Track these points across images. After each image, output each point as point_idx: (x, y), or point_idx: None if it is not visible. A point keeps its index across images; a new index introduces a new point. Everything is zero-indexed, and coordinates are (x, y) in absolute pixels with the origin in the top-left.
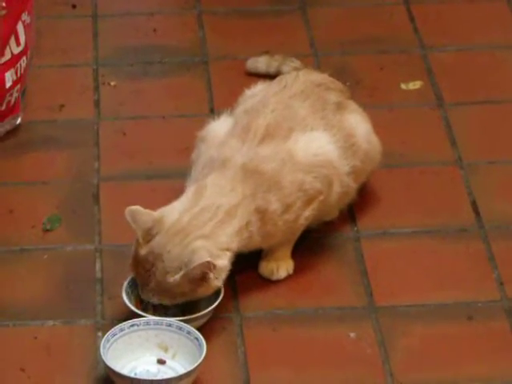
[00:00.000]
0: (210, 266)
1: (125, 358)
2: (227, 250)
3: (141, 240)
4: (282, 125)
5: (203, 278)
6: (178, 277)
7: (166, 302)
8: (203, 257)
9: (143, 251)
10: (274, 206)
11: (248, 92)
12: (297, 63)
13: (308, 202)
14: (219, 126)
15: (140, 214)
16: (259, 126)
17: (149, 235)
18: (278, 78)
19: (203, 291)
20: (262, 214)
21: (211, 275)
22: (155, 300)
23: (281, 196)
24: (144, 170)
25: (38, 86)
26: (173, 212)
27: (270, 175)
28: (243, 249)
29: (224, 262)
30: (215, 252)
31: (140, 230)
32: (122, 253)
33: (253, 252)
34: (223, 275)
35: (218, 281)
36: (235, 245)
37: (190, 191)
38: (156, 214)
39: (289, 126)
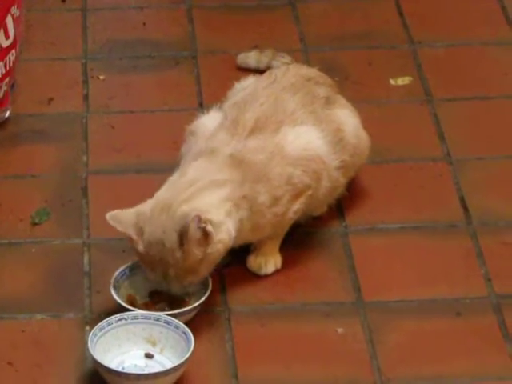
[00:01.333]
0: (202, 220)
1: (112, 351)
2: (217, 208)
3: (134, 236)
4: (271, 118)
5: (205, 236)
6: (183, 247)
7: (193, 279)
8: (190, 214)
9: (141, 247)
10: (263, 197)
11: (237, 85)
12: (287, 59)
13: (296, 196)
14: (209, 120)
15: (121, 214)
16: (248, 119)
17: (139, 229)
18: (267, 72)
19: (214, 251)
20: (250, 202)
21: (209, 227)
22: (184, 284)
23: (269, 188)
24: (133, 163)
25: (27, 79)
26: (151, 199)
27: (258, 167)
28: (235, 239)
29: (218, 216)
30: (204, 208)
31: (129, 228)
32: (110, 247)
33: (241, 247)
34: (224, 228)
35: (221, 234)
36: (226, 208)
37: (170, 178)
38: (134, 209)
39: (278, 120)
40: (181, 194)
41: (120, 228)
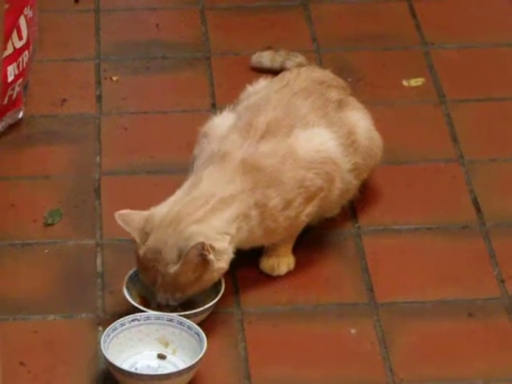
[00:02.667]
0: (205, 248)
1: (125, 352)
2: (225, 233)
3: (138, 240)
4: (283, 122)
5: (204, 262)
6: (179, 265)
7: (179, 296)
8: (197, 239)
9: (142, 251)
10: (274, 201)
11: (250, 88)
12: (301, 58)
13: (309, 198)
14: (221, 122)
15: (130, 215)
16: (260, 122)
17: (144, 234)
18: (279, 75)
19: (209, 277)
20: (261, 208)
21: (210, 257)
22: (169, 297)
23: (281, 192)
24: (145, 164)
25: (40, 80)
26: (163, 206)
27: (269, 171)
28: (245, 244)
29: (223, 244)
30: (211, 235)
31: (135, 231)
32: (123, 247)
33: (254, 248)
34: (225, 257)
35: (220, 262)
36: (233, 231)
37: (185, 184)
38: (146, 212)
39: (290, 124)
40: (192, 214)
41: (126, 228)
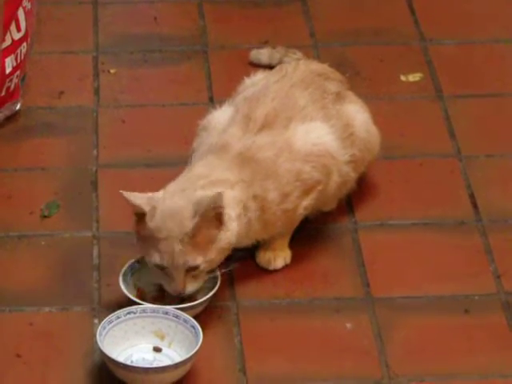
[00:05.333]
0: (222, 199)
1: (121, 345)
2: (231, 205)
3: (147, 208)
4: (282, 114)
5: (218, 217)
6: (196, 220)
7: (199, 260)
8: (209, 195)
9: (153, 223)
10: (272, 194)
11: (248, 81)
12: (299, 55)
13: (306, 191)
14: (221, 115)
15: (134, 194)
16: (259, 115)
17: (152, 208)
18: (278, 67)
19: (224, 239)
20: (260, 202)
21: (225, 211)
22: (189, 261)
23: (278, 185)
24: (143, 157)
25: (38, 72)
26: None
27: (266, 164)
28: (243, 239)
29: (231, 212)
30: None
31: (142, 200)
32: (119, 240)
33: (250, 245)
34: (234, 225)
35: (233, 227)
36: (237, 211)
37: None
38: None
39: (288, 116)
40: (194, 183)
41: (132, 198)
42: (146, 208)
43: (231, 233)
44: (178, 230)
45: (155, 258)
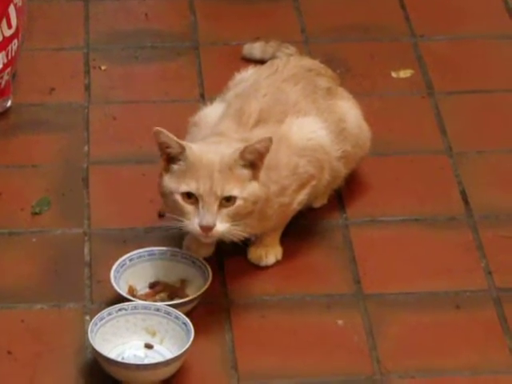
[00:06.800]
0: (271, 143)
1: (112, 342)
2: None
3: (183, 143)
4: (275, 109)
5: (257, 161)
6: (236, 154)
7: (236, 192)
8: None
9: (194, 154)
10: (274, 186)
11: (238, 76)
12: (292, 50)
13: (301, 186)
14: (212, 111)
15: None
16: (253, 110)
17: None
18: (268, 63)
19: (257, 191)
20: (266, 192)
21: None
22: (226, 189)
23: (278, 177)
24: (134, 154)
25: (29, 69)
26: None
27: (268, 155)
28: (238, 232)
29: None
30: None
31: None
32: (110, 237)
33: (244, 241)
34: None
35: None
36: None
37: None
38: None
39: (282, 111)
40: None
41: (169, 135)
42: (183, 143)
43: (260, 189)
44: (218, 160)
45: (191, 186)
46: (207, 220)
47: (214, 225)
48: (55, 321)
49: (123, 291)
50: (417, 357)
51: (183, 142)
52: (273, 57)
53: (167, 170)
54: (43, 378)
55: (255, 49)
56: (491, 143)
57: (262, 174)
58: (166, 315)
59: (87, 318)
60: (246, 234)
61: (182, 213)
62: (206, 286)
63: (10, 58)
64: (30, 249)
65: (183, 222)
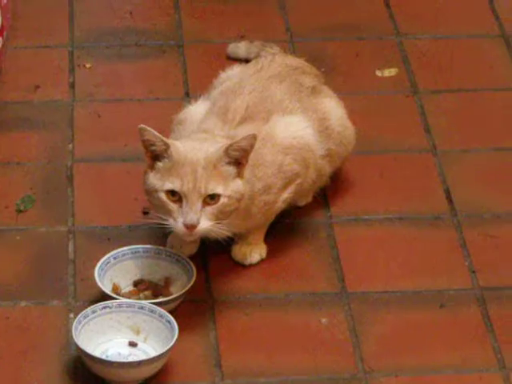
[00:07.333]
0: (255, 140)
1: (97, 339)
2: None
3: (169, 142)
4: (260, 107)
5: (241, 158)
6: (220, 151)
7: (220, 189)
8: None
9: (178, 152)
10: (258, 184)
11: (223, 74)
12: (276, 49)
13: (286, 184)
14: (197, 109)
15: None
16: (238, 107)
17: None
18: (253, 61)
19: (240, 184)
20: (250, 188)
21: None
22: (210, 187)
23: (263, 175)
24: (119, 152)
25: (14, 66)
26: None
27: (253, 153)
28: (223, 230)
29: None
30: None
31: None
32: (95, 235)
33: (228, 238)
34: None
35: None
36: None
37: None
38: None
39: (267, 108)
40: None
41: (154, 132)
42: (169, 141)
43: (244, 186)
44: (203, 158)
45: (175, 184)
46: (191, 218)
47: (198, 223)
48: (39, 318)
49: (107, 289)
50: (400, 355)
51: (168, 140)
52: (257, 56)
53: (152, 167)
54: (27, 375)
55: (240, 48)
56: (475, 142)
57: (247, 172)
58: (150, 313)
59: (71, 315)
60: (230, 233)
61: (166, 211)
62: (190, 284)
63: None
64: (14, 246)
65: (168, 221)
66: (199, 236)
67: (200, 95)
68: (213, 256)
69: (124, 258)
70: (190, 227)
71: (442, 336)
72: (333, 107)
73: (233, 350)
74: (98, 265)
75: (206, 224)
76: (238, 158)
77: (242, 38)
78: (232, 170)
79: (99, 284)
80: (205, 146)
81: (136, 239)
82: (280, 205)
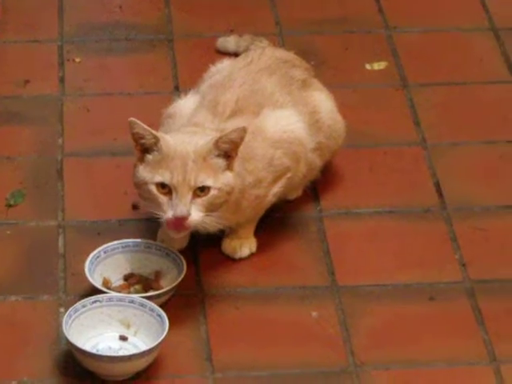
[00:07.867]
0: (245, 133)
1: (87, 333)
2: None
3: (159, 134)
4: (251, 100)
5: (231, 151)
6: (210, 144)
7: (210, 182)
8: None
9: (168, 145)
10: (249, 178)
11: (213, 68)
12: (265, 43)
13: (277, 178)
14: (186, 103)
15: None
16: (228, 100)
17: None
18: (243, 54)
19: (227, 177)
20: (241, 182)
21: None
22: (200, 179)
23: (254, 169)
24: (108, 146)
25: (3, 61)
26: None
27: (244, 145)
28: (211, 221)
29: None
30: None
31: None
32: (85, 229)
33: (214, 232)
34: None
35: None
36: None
37: None
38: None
39: (257, 102)
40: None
41: (143, 126)
42: (159, 134)
43: (234, 179)
44: (192, 150)
45: (165, 176)
46: (181, 210)
47: (189, 214)
48: (30, 313)
49: (98, 283)
50: (391, 348)
51: (157, 133)
52: (247, 50)
53: (141, 160)
54: (18, 369)
55: (229, 42)
56: (465, 135)
57: (237, 165)
58: (140, 307)
59: (62, 309)
60: (220, 226)
61: (156, 204)
62: (181, 278)
63: None
64: (4, 241)
65: (159, 214)
66: (189, 230)
67: (190, 89)
68: (203, 250)
69: (114, 252)
70: (181, 219)
71: (432, 329)
72: (323, 100)
73: (223, 343)
74: (89, 259)
75: (196, 215)
76: (227, 151)
77: (231, 31)
78: (222, 162)
79: (89, 278)
80: (194, 139)
81: (126, 233)
82: (270, 199)
